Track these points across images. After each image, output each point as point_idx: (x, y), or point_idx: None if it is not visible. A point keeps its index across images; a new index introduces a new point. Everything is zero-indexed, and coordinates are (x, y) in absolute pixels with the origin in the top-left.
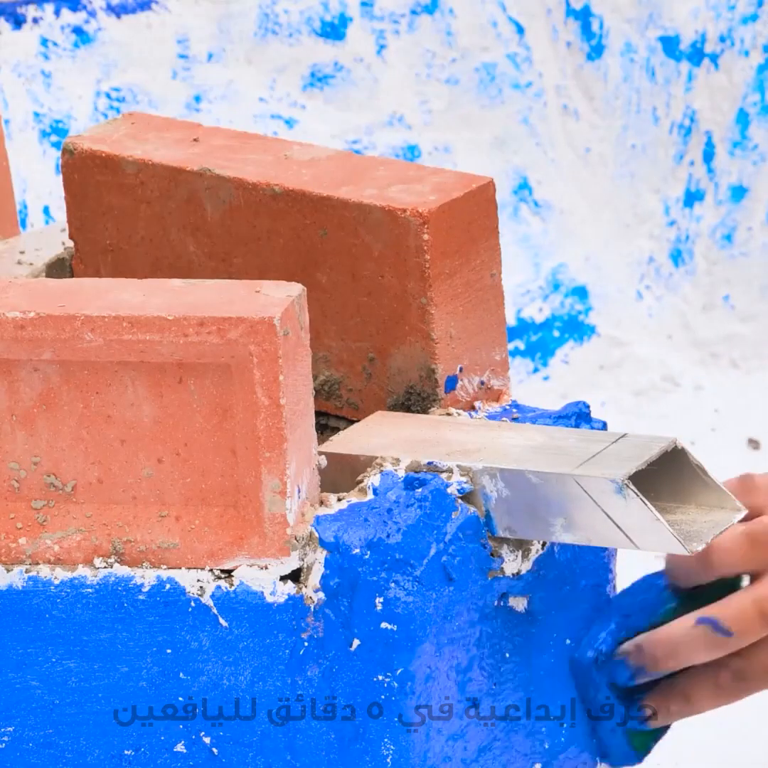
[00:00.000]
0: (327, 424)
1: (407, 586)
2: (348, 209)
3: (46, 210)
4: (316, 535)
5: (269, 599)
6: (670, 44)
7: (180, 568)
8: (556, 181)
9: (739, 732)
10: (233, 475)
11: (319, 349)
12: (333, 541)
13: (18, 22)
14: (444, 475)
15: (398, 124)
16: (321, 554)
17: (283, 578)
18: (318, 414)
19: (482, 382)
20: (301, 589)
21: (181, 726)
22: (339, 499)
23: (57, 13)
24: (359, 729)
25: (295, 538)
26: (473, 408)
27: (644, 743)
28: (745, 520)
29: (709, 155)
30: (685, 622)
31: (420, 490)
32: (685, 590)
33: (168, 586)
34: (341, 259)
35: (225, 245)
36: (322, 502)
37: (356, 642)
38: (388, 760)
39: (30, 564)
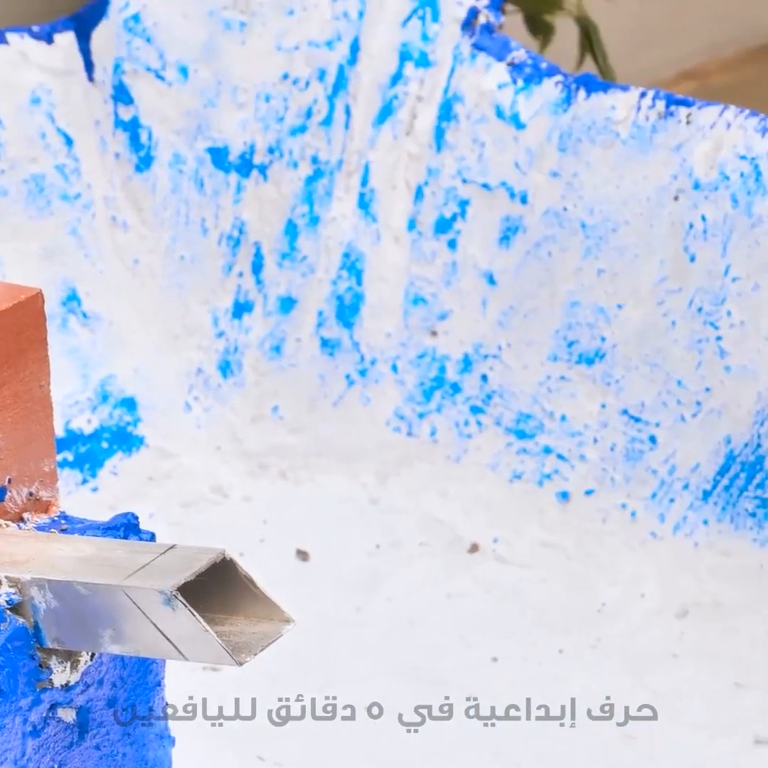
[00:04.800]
0: None
1: None
2: None
3: None
4: None
5: None
6: (219, 155)
7: None
8: (104, 293)
9: None
10: None
11: None
12: None
13: None
14: None
15: None
16: None
17: None
18: None
19: (31, 493)
20: None
21: None
22: None
23: None
24: None
25: None
26: (22, 519)
27: None
28: None
29: (257, 266)
30: None
31: None
32: None
33: None
34: None
35: None
36: None
37: None
38: None
39: None
